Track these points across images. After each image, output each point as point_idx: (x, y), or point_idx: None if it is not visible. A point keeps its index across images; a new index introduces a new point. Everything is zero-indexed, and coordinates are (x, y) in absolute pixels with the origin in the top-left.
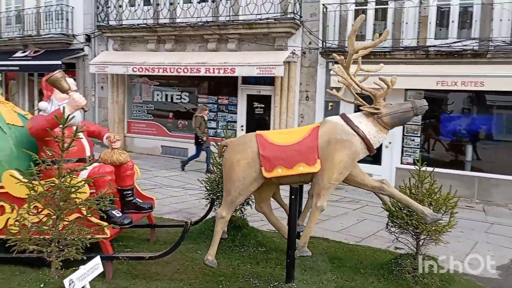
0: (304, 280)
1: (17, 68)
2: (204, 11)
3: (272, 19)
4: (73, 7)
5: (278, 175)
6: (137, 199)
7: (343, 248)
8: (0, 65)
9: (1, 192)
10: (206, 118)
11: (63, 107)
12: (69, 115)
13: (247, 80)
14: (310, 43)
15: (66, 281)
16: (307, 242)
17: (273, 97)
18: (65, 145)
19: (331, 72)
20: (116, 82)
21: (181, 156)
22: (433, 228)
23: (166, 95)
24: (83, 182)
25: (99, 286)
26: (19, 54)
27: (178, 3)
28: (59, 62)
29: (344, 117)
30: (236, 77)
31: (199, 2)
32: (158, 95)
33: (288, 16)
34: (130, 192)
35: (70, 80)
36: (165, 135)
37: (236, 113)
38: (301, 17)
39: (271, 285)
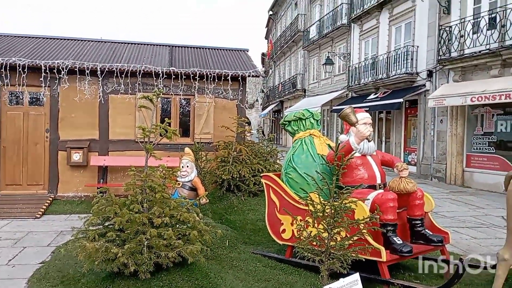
0: None
1: (367, 108)
2: None
3: None
4: (418, 46)
5: None
6: (426, 230)
7: None
8: (357, 107)
9: (303, 208)
10: None
11: (349, 139)
12: (338, 144)
13: None
14: None
15: None
16: None
17: None
18: (358, 172)
19: None
20: (456, 114)
21: None
22: None
23: None
24: (351, 203)
25: None
26: (371, 96)
27: None
28: (400, 100)
29: None
30: None
31: None
32: (502, 125)
33: None
34: (419, 222)
35: (362, 115)
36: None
37: None
38: None
39: None
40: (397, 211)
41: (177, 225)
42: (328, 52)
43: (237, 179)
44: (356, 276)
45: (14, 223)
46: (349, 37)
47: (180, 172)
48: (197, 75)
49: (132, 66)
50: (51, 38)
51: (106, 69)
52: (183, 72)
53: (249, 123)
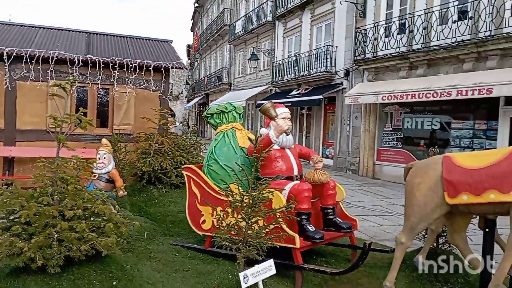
0: None
1: (290, 104)
2: (460, 30)
3: None
4: (336, 46)
5: (463, 202)
6: (337, 218)
7: None
8: (280, 102)
9: (223, 199)
10: None
11: (268, 133)
12: (257, 137)
13: None
14: None
15: (241, 275)
16: (499, 284)
17: None
18: (277, 163)
19: None
20: (369, 111)
21: None
22: None
23: (416, 122)
24: (268, 193)
25: None
26: (294, 92)
27: (432, 27)
28: (320, 97)
29: None
30: (498, 98)
31: (454, 22)
32: (408, 122)
33: None
34: (331, 210)
35: (282, 110)
36: None
37: (496, 139)
38: None
39: None
40: (312, 200)
41: (91, 218)
42: (254, 47)
43: (158, 171)
44: (270, 262)
45: None
46: (273, 34)
47: (96, 164)
48: (117, 64)
49: (44, 52)
50: None
51: (14, 54)
52: (101, 60)
53: (173, 115)
